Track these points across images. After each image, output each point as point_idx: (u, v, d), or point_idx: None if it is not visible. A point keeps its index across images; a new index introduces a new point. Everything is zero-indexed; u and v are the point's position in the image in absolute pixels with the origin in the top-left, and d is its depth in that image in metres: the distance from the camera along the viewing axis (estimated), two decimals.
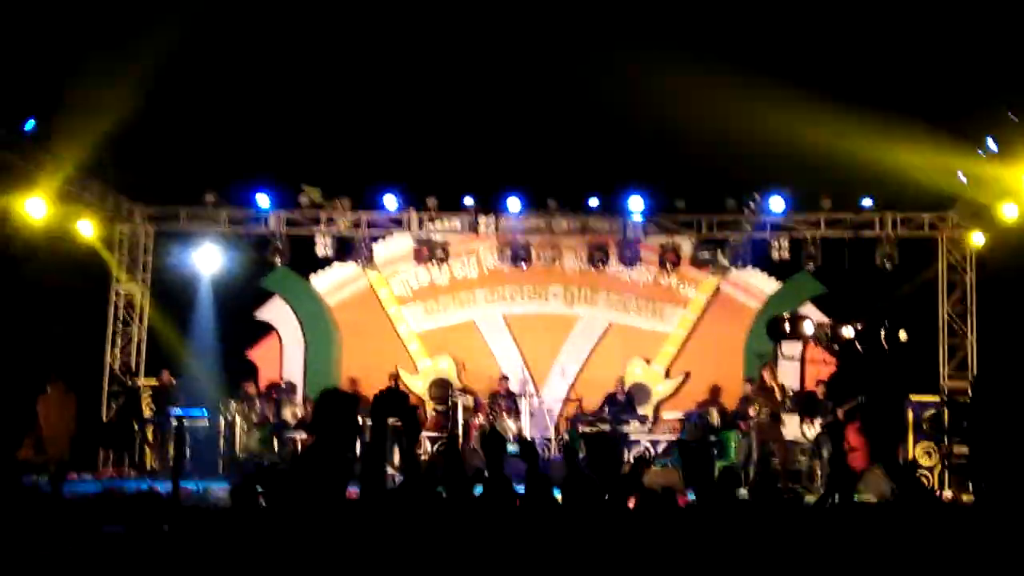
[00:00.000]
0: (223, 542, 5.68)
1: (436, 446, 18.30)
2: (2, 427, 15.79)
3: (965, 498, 15.50)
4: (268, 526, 5.52)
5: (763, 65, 16.76)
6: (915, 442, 18.56)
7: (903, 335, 15.16)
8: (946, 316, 19.75)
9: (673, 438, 19.02)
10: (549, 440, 19.30)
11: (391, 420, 6.12)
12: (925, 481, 17.47)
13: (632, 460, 15.96)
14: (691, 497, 7.38)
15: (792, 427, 17.65)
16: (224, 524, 6.39)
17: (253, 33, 16.80)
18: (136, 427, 19.28)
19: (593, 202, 19.94)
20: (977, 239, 19.00)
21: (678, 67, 16.99)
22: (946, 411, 17.90)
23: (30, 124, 16.44)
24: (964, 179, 17.31)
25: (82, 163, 17.87)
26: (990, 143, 16.53)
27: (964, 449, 17.29)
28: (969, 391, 18.24)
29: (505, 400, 19.02)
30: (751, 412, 17.43)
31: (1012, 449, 13.86)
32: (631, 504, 6.94)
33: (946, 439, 17.71)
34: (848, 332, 15.65)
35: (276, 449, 18.57)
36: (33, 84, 15.65)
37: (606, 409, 19.02)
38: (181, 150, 18.37)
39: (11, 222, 16.97)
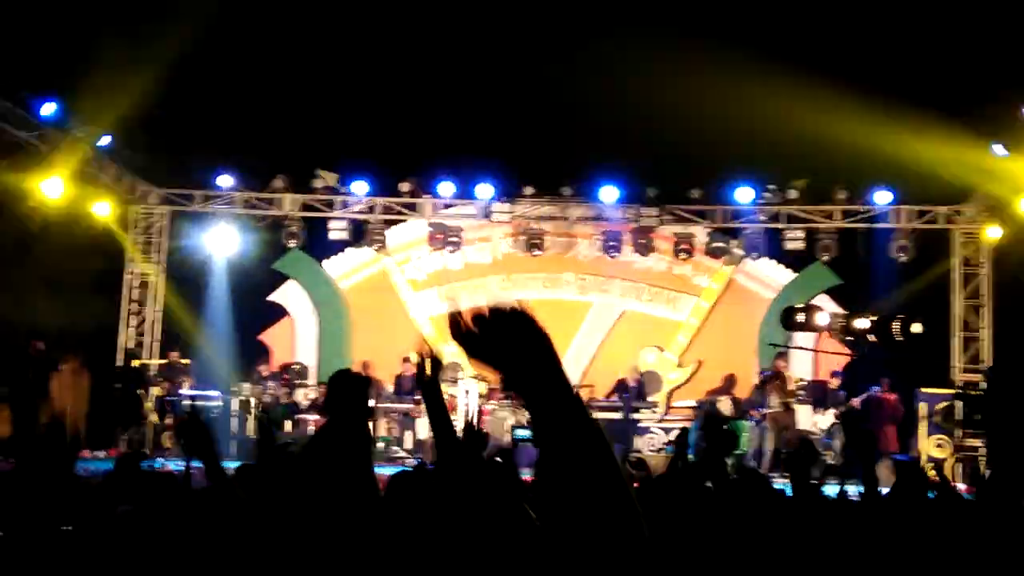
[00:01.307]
0: (232, 522, 5.70)
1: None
2: (18, 404, 15.85)
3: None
4: (277, 508, 5.53)
5: (780, 57, 16.73)
6: (927, 435, 18.50)
7: (917, 327, 15.13)
8: (960, 309, 19.69)
9: (686, 425, 19.01)
10: None
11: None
12: (933, 475, 17.40)
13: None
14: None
15: (804, 417, 17.62)
16: (235, 504, 6.41)
17: (271, 18, 16.83)
18: (144, 406, 19.35)
19: (609, 191, 19.92)
20: (993, 233, 18.93)
21: (694, 58, 16.97)
22: (959, 403, 17.82)
23: (52, 109, 16.51)
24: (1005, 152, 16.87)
25: (99, 145, 17.97)
26: (998, 149, 16.48)
27: (976, 442, 17.26)
28: (981, 384, 18.17)
29: None
30: (772, 402, 17.37)
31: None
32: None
33: (959, 432, 17.65)
34: (862, 324, 15.63)
35: (288, 431, 18.62)
36: (51, 66, 15.71)
37: (617, 396, 18.99)
38: (197, 133, 18.43)
39: (28, 202, 17.05)
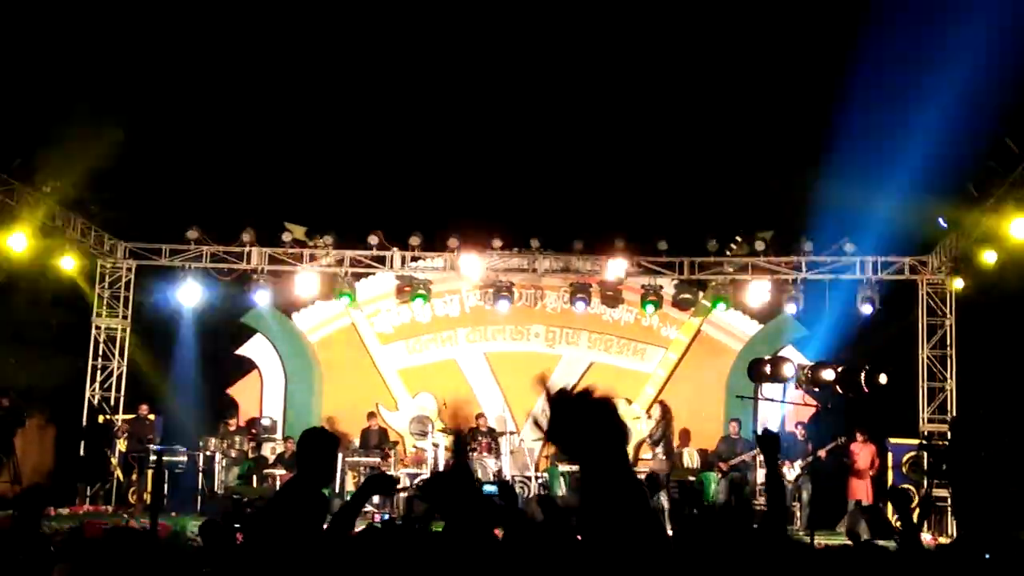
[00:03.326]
0: None
1: (415, 482, 18.18)
2: None
3: (943, 540, 15.50)
4: (244, 562, 5.51)
5: (746, 110, 16.91)
6: (894, 484, 18.55)
7: (883, 378, 15.21)
8: (926, 360, 19.77)
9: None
10: (529, 479, 19.26)
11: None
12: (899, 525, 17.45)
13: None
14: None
15: None
16: (200, 561, 6.37)
17: (235, 72, 16.89)
18: (110, 462, 19.20)
19: (577, 244, 20.04)
20: (957, 284, 19.05)
21: (662, 110, 17.15)
22: (925, 454, 17.91)
23: (18, 163, 16.44)
24: (944, 224, 17.45)
25: (65, 199, 17.91)
26: (941, 222, 16.75)
27: (943, 492, 17.32)
28: (948, 434, 18.28)
29: (485, 438, 18.92)
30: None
31: (989, 491, 13.90)
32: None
33: (925, 482, 17.70)
34: (828, 375, 15.71)
35: (255, 485, 18.48)
36: (17, 121, 15.70)
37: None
38: (164, 187, 18.43)
39: None
